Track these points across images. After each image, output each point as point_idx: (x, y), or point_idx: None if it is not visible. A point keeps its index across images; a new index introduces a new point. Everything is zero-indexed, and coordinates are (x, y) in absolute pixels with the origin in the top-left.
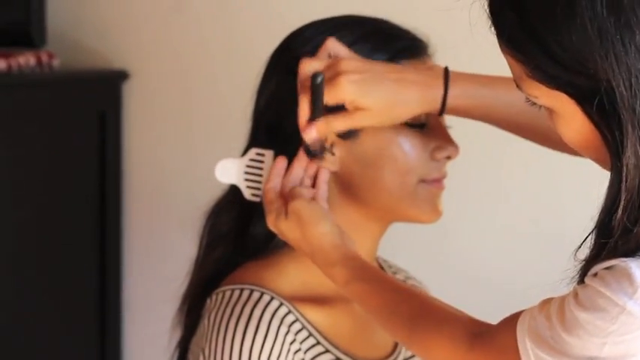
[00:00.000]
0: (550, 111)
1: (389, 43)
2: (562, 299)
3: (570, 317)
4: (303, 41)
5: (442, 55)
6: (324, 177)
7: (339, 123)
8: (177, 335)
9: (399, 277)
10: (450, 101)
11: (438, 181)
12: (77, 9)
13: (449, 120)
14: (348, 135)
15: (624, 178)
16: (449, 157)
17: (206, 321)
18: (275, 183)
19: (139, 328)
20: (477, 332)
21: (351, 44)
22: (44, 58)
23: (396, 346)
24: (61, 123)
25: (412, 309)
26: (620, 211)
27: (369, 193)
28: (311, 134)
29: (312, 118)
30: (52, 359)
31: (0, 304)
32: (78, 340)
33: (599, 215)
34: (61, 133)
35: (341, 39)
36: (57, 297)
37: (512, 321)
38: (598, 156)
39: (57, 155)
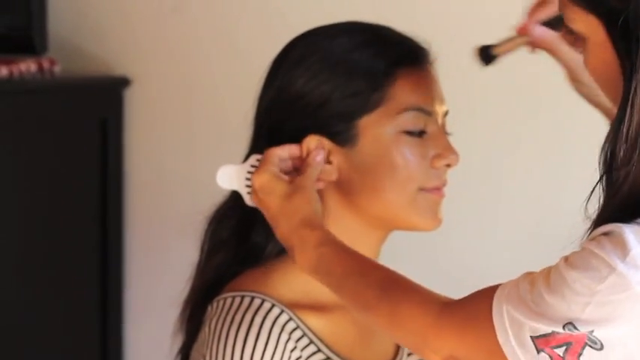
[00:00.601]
0: (582, 40)
1: (389, 50)
2: (549, 267)
3: (557, 278)
4: (305, 46)
5: (444, 62)
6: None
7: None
8: (178, 341)
9: None
10: None
11: (437, 189)
12: (78, 15)
13: (449, 127)
14: (344, 141)
15: (630, 102)
16: (448, 165)
17: (207, 328)
18: (284, 153)
19: (140, 333)
20: (447, 302)
21: (351, 51)
22: (45, 64)
23: (397, 353)
24: (63, 129)
25: (384, 275)
26: (623, 137)
27: (368, 202)
28: (536, 33)
29: (548, 23)
30: None
31: (1, 310)
32: (80, 345)
33: (603, 145)
34: (62, 140)
35: (343, 45)
36: (58, 302)
37: (487, 291)
38: (615, 91)
39: (58, 162)
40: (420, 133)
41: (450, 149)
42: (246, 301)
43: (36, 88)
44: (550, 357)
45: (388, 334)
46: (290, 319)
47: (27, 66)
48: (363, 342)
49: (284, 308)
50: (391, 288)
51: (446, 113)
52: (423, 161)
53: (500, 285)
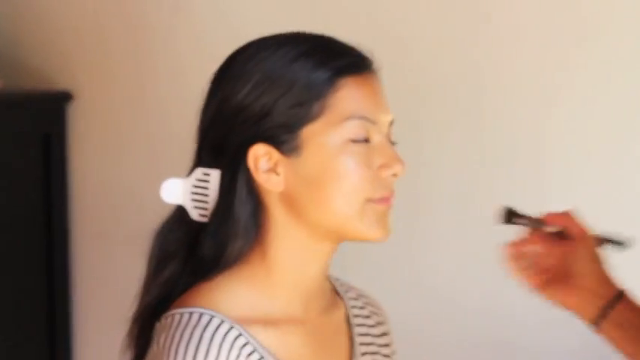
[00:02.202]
0: None
1: (331, 59)
2: None
3: None
4: (246, 58)
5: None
6: None
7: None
8: (127, 359)
9: (351, 294)
10: (603, 325)
11: (385, 200)
12: (19, 30)
13: (395, 136)
14: (289, 151)
15: None
16: (395, 175)
17: (155, 345)
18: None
19: (89, 351)
20: None
21: (292, 61)
22: None
23: None
24: (5, 146)
25: None
26: None
27: (315, 213)
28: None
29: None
30: None
31: None
32: None
33: None
34: (4, 156)
35: (284, 55)
36: (4, 321)
37: None
38: None
39: (1, 178)
40: (364, 143)
41: (395, 158)
42: (195, 317)
43: None
44: None
45: None
46: (240, 334)
47: None
48: (316, 355)
49: (233, 324)
50: None
51: (391, 122)
52: (368, 171)
53: None
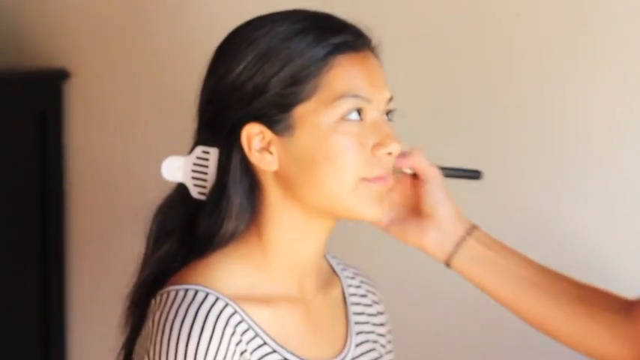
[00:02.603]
0: None
1: (325, 38)
2: None
3: None
4: (242, 37)
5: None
6: None
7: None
8: (122, 336)
9: (348, 273)
10: (456, 261)
11: (380, 179)
12: (15, 6)
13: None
14: (282, 130)
15: None
16: (390, 154)
17: (150, 322)
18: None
19: (83, 329)
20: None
21: (287, 39)
22: None
23: (344, 345)
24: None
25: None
26: None
27: (309, 193)
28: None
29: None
30: None
31: None
32: (21, 341)
33: None
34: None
35: (279, 34)
36: None
37: None
38: None
39: None
40: (358, 121)
41: (390, 137)
42: (190, 294)
43: None
44: None
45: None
46: (235, 312)
47: None
48: (310, 334)
49: (229, 301)
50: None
51: (390, 100)
52: (362, 150)
53: None
